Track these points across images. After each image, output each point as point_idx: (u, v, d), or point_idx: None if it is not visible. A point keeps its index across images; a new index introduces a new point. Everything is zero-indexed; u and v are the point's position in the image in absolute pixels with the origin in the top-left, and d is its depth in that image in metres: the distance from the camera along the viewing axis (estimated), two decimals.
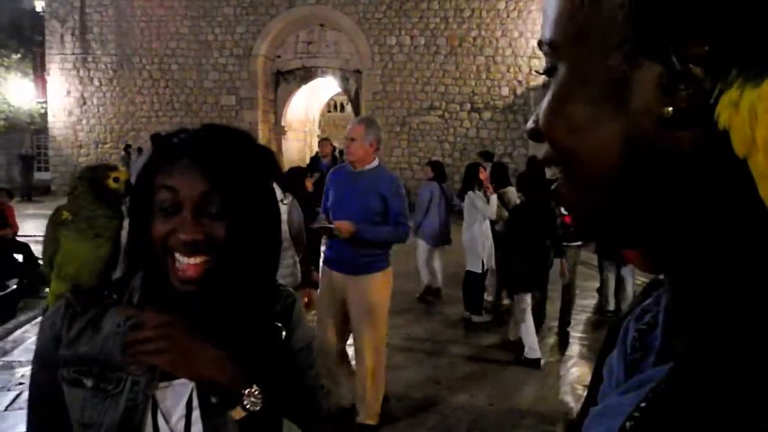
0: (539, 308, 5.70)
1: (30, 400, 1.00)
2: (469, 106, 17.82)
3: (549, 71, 0.45)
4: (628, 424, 0.40)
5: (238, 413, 0.87)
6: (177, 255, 0.90)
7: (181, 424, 0.94)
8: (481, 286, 6.36)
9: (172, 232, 0.90)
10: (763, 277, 0.38)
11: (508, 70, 17.59)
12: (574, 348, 5.69)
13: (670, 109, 0.37)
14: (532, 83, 17.27)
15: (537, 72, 0.49)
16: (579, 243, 6.08)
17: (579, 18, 0.41)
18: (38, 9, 22.33)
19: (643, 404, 0.40)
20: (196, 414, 0.94)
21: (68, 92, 20.14)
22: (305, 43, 19.35)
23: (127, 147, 18.78)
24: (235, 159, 0.93)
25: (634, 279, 6.38)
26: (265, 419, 0.89)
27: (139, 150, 18.46)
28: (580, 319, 6.59)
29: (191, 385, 0.94)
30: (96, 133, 20.21)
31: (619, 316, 0.62)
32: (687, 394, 0.37)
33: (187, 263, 0.89)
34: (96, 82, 20.07)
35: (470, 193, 6.13)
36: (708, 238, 0.40)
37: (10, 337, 5.59)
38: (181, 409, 0.94)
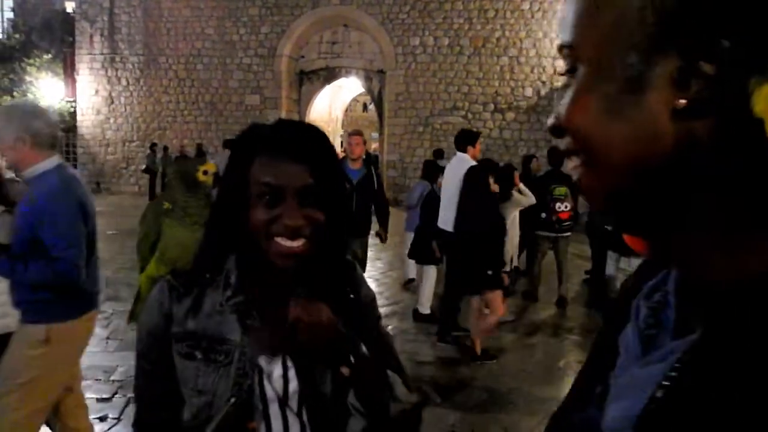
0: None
1: (140, 372, 1.11)
2: (492, 106, 17.77)
3: (570, 71, 0.50)
4: (659, 392, 0.44)
5: (346, 370, 1.00)
6: (279, 240, 1.00)
7: (280, 382, 1.06)
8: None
9: (276, 219, 1.00)
10: None
11: (531, 71, 17.51)
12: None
13: (683, 101, 0.43)
14: (556, 84, 17.16)
15: (560, 73, 0.54)
16: (568, 233, 6.89)
17: (596, 22, 0.47)
18: (69, 10, 22.74)
19: (672, 373, 0.44)
20: (291, 372, 1.06)
21: (96, 91, 20.51)
22: (329, 44, 19.46)
23: (153, 145, 19.05)
24: (327, 153, 1.06)
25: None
26: (367, 370, 1.02)
27: (165, 149, 18.72)
28: (588, 318, 6.64)
29: None
30: (123, 131, 20.55)
31: (617, 296, 0.66)
32: (715, 362, 0.42)
33: (289, 246, 1.00)
34: (123, 82, 20.41)
35: (515, 193, 6.33)
36: (727, 220, 0.44)
37: None
38: (278, 368, 1.05)
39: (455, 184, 5.43)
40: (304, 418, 1.05)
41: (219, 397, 1.02)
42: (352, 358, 1.00)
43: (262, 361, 1.05)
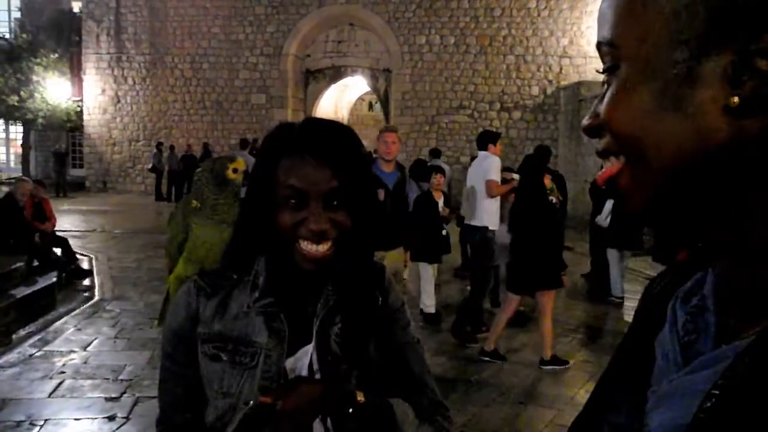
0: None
1: (165, 372, 1.10)
2: (498, 105, 17.74)
3: (610, 69, 0.48)
4: (708, 402, 0.42)
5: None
6: (304, 243, 0.99)
7: None
8: None
9: (301, 223, 0.99)
10: None
11: (538, 70, 17.46)
12: (599, 345, 5.67)
13: (736, 99, 0.41)
14: (563, 83, 17.12)
15: (597, 71, 0.52)
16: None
17: (641, 18, 0.45)
18: (75, 10, 22.82)
19: (720, 382, 0.42)
20: (317, 377, 1.05)
21: (103, 91, 20.58)
22: (335, 42, 19.46)
23: (159, 144, 19.11)
24: (353, 154, 1.03)
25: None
26: (367, 418, 0.99)
27: (171, 148, 18.77)
28: (594, 316, 6.65)
29: (312, 351, 1.05)
30: (129, 130, 20.60)
31: (642, 300, 0.64)
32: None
33: (315, 250, 0.99)
34: (130, 81, 20.46)
35: None
36: None
37: (51, 328, 5.76)
38: (304, 371, 1.04)
39: (481, 180, 5.79)
40: (328, 423, 1.04)
41: (243, 399, 1.01)
42: (350, 410, 0.99)
43: (288, 364, 1.04)
